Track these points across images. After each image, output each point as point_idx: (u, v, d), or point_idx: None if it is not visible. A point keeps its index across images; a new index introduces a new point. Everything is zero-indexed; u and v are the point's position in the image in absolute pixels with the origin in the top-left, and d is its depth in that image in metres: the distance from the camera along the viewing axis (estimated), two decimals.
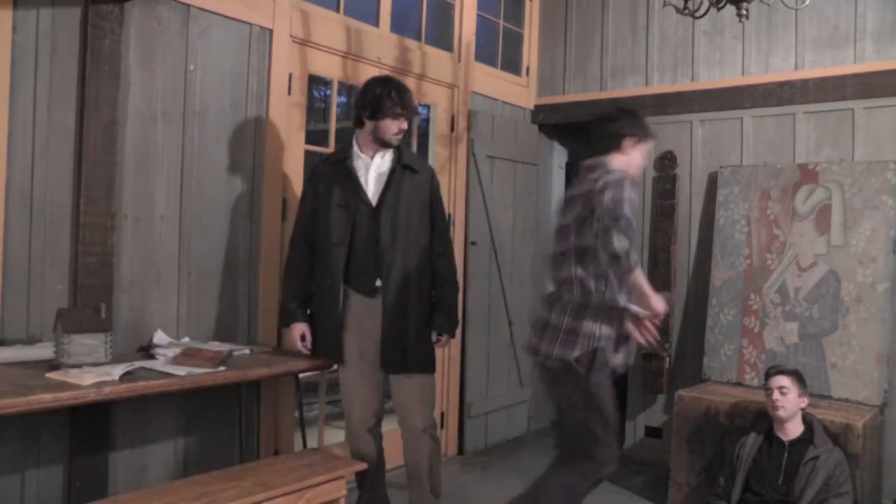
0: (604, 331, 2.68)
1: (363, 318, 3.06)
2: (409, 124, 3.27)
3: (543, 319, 2.80)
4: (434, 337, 3.14)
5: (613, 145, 2.84)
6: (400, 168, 3.07)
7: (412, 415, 3.11)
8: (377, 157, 3.09)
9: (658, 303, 2.65)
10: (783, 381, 3.07)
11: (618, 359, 2.73)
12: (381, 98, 2.99)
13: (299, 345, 3.10)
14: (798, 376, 3.12)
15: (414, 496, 3.21)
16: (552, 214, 3.07)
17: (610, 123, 2.88)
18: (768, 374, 3.16)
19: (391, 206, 3.03)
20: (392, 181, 3.05)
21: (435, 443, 3.16)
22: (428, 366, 3.13)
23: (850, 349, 3.73)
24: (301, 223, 3.18)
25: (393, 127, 3.02)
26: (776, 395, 3.07)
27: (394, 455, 3.94)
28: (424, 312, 3.11)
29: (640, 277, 2.69)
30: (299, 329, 3.10)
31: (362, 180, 3.07)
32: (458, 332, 4.53)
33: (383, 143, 3.06)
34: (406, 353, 3.04)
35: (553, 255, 2.83)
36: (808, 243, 3.95)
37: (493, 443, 4.88)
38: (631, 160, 2.85)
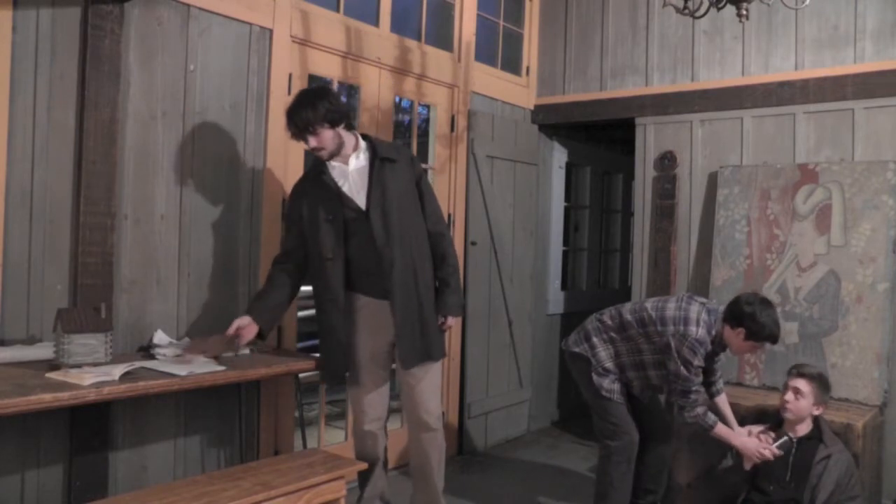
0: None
1: (376, 321, 3.05)
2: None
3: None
4: (440, 320, 3.12)
5: (731, 320, 3.09)
6: (378, 162, 3.01)
7: (420, 407, 3.10)
8: (352, 159, 3.03)
9: (748, 448, 3.04)
10: (800, 384, 2.98)
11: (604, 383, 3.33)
12: None
13: (230, 331, 2.91)
14: (820, 383, 3.01)
15: (419, 494, 3.21)
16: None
17: (746, 305, 3.06)
18: (790, 371, 3.07)
19: (378, 205, 2.98)
20: (373, 180, 3.00)
21: (442, 436, 3.18)
22: (439, 353, 3.14)
23: (850, 349, 3.73)
24: (287, 244, 3.13)
25: (307, 146, 2.98)
26: (789, 395, 3.00)
27: (394, 454, 3.94)
28: (432, 299, 3.11)
29: (721, 430, 3.11)
30: (239, 321, 2.94)
31: (345, 188, 3.01)
32: (458, 331, 4.55)
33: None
34: (421, 344, 3.03)
35: (627, 323, 3.30)
36: (808, 243, 3.95)
37: (493, 443, 4.88)
38: (733, 342, 3.12)
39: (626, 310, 3.35)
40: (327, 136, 2.92)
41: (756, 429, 3.15)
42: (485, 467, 4.46)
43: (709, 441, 3.35)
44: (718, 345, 3.16)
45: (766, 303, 3.09)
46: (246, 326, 2.93)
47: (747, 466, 3.06)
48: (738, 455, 3.11)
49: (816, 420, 3.05)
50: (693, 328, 3.08)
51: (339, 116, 2.93)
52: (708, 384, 3.28)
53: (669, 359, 3.12)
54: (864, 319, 3.72)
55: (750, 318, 3.02)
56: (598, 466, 3.43)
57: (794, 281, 3.95)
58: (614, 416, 3.31)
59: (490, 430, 4.85)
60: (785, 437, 3.02)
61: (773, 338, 3.07)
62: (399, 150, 3.14)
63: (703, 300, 3.23)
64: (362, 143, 3.06)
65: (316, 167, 3.09)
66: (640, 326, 3.25)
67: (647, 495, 3.50)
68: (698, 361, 3.07)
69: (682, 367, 3.07)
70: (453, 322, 3.19)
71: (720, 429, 3.10)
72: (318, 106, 2.86)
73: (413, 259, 3.03)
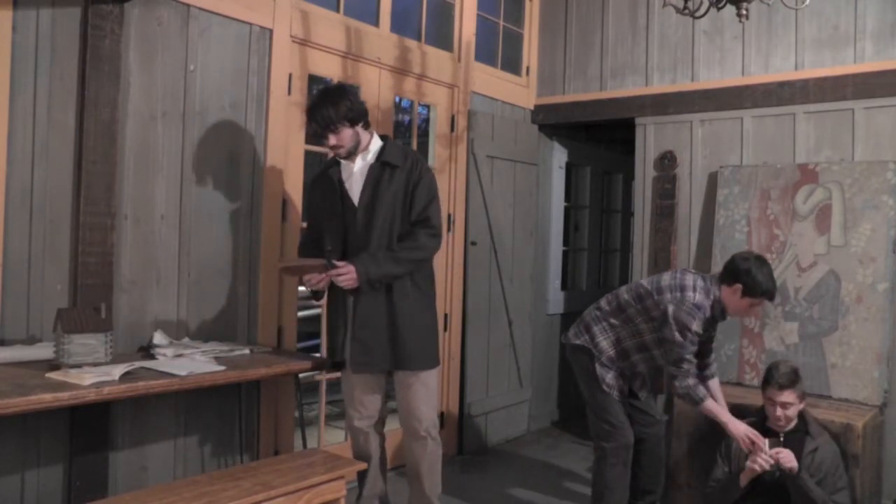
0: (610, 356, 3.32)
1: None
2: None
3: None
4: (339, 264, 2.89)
5: (728, 277, 3.09)
6: (378, 165, 3.01)
7: (411, 415, 3.09)
8: (358, 159, 3.04)
9: (738, 430, 2.99)
10: (787, 396, 2.95)
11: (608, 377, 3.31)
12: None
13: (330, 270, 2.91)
14: (798, 382, 2.98)
15: (413, 496, 3.21)
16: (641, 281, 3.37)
17: (742, 261, 3.08)
18: (769, 381, 3.00)
19: (366, 207, 2.98)
20: (369, 180, 3.00)
21: (435, 444, 3.13)
22: (422, 362, 3.04)
23: (850, 349, 3.73)
24: (306, 230, 3.26)
25: (327, 143, 2.99)
26: (779, 411, 2.96)
27: (395, 454, 3.94)
28: (413, 307, 3.01)
29: (710, 406, 3.07)
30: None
31: (347, 185, 3.04)
32: (458, 331, 4.56)
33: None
34: (389, 350, 2.99)
35: (625, 303, 3.30)
36: (808, 243, 3.95)
37: (493, 443, 4.88)
38: (731, 301, 3.12)
39: (623, 290, 3.37)
40: (347, 134, 2.94)
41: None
42: (485, 467, 4.46)
43: (709, 440, 3.35)
44: (718, 310, 3.16)
45: (762, 259, 3.12)
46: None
47: (744, 481, 2.98)
48: (731, 466, 3.09)
49: (800, 412, 3.04)
50: (690, 293, 3.10)
51: (358, 115, 2.95)
52: (701, 367, 3.28)
53: (665, 326, 3.09)
54: (864, 319, 3.72)
55: (746, 274, 3.04)
56: (593, 468, 3.42)
57: (794, 281, 3.95)
58: (611, 414, 3.30)
59: (490, 430, 4.85)
60: (777, 441, 2.98)
61: (770, 293, 3.08)
62: (406, 155, 3.08)
63: (696, 271, 3.27)
64: (374, 144, 3.06)
65: (326, 163, 3.15)
66: (637, 302, 3.25)
67: (645, 496, 3.50)
68: (696, 327, 3.06)
69: (677, 333, 3.05)
70: (346, 272, 2.85)
71: (710, 404, 3.08)
72: (339, 104, 2.89)
73: None
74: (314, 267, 2.92)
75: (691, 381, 3.08)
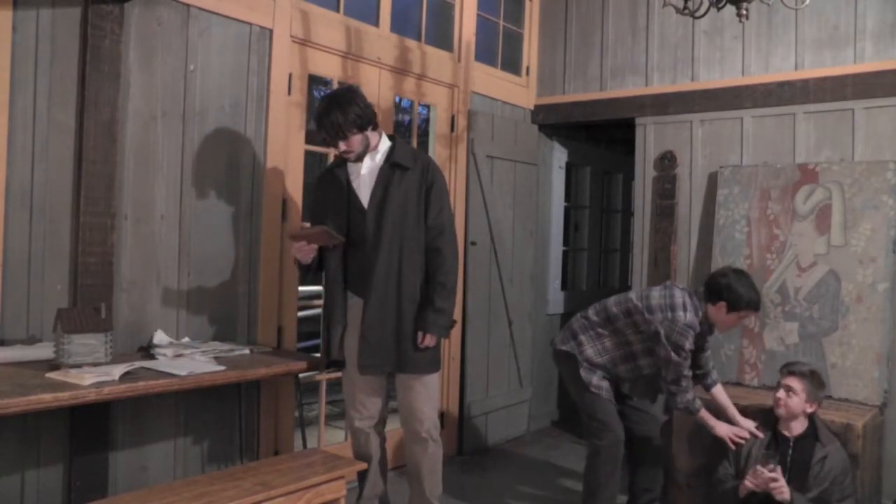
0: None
1: (358, 320, 3.05)
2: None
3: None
4: (419, 336, 2.99)
5: (710, 296, 3.17)
6: (388, 167, 3.01)
7: (412, 417, 3.09)
8: (367, 159, 3.03)
9: (723, 431, 3.15)
10: (791, 381, 3.01)
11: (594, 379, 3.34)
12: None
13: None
14: (812, 380, 3.01)
15: (413, 497, 3.21)
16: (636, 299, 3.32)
17: (721, 278, 3.15)
18: (781, 370, 3.11)
19: (375, 207, 2.98)
20: (379, 181, 3.00)
21: (435, 445, 3.13)
22: (425, 367, 3.04)
23: (850, 349, 3.73)
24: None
25: (337, 149, 2.99)
26: (780, 392, 3.03)
27: (395, 454, 3.94)
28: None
29: (703, 415, 3.21)
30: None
31: (354, 185, 3.04)
32: (458, 332, 4.55)
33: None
34: (395, 354, 2.99)
35: (615, 314, 3.31)
36: (808, 243, 3.95)
37: (493, 443, 4.88)
38: (718, 318, 3.19)
39: (611, 303, 3.38)
40: (357, 139, 2.94)
41: (748, 423, 3.20)
42: (485, 467, 4.46)
43: (707, 440, 3.35)
44: (706, 326, 3.21)
45: (740, 272, 3.19)
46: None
47: (742, 493, 2.95)
48: (734, 462, 3.12)
49: (811, 418, 3.05)
50: (681, 313, 3.13)
51: (367, 120, 2.94)
52: (701, 376, 3.34)
53: (659, 345, 3.14)
54: (864, 319, 3.72)
55: (727, 290, 3.10)
56: (586, 465, 3.43)
57: (794, 281, 3.95)
58: (602, 412, 3.32)
59: (490, 429, 4.85)
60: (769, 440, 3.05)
61: (754, 304, 3.14)
62: (417, 157, 3.07)
63: (683, 286, 3.30)
64: (383, 145, 3.06)
65: (334, 162, 3.16)
66: (626, 316, 3.28)
67: (644, 494, 3.51)
68: (689, 345, 3.12)
69: (672, 353, 3.10)
70: (431, 341, 2.99)
71: (703, 413, 3.19)
72: (348, 111, 2.87)
73: (399, 268, 2.97)
74: (318, 235, 2.93)
75: (690, 395, 3.16)
